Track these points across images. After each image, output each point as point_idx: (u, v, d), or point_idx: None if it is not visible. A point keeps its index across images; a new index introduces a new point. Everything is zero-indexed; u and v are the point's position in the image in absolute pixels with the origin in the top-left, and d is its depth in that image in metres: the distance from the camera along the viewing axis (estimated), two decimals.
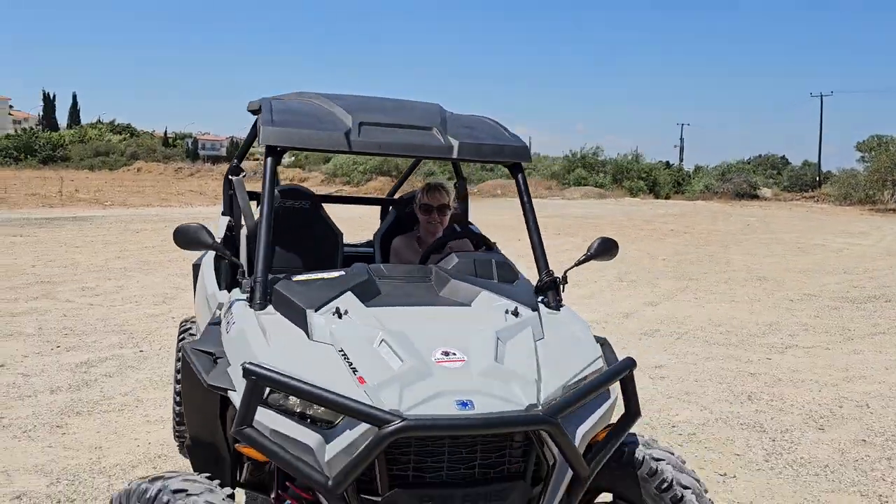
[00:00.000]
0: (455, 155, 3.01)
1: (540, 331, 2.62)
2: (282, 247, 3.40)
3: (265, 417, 2.15)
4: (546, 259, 3.08)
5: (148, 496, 2.12)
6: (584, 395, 2.28)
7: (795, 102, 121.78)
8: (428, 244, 3.58)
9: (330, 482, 2.03)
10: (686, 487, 2.50)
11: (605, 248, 3.30)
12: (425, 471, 2.15)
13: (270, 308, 2.57)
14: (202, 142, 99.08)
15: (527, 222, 3.21)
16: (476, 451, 2.18)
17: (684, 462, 2.66)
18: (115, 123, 76.35)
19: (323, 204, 3.73)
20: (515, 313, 2.63)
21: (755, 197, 41.39)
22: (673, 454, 2.65)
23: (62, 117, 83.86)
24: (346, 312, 2.44)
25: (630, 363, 2.47)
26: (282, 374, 2.10)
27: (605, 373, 2.45)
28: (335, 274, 2.74)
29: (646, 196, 39.52)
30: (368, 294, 2.62)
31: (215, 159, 74.92)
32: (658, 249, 15.50)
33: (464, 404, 2.10)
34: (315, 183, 40.41)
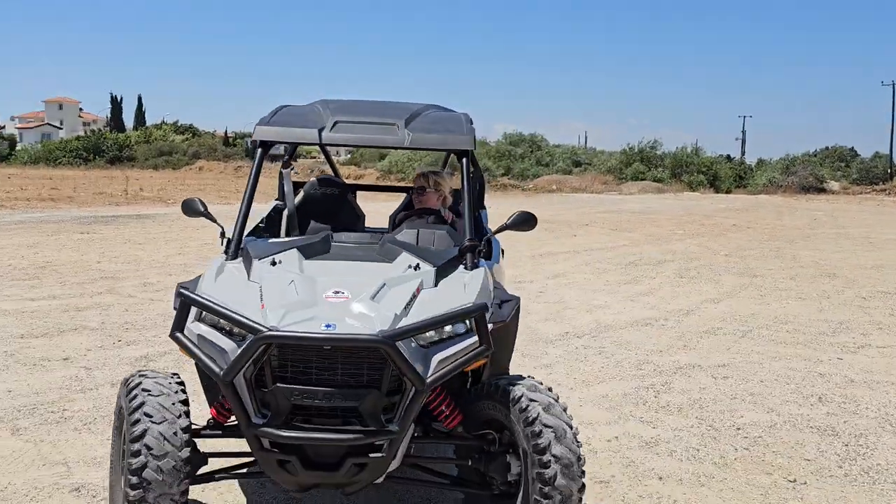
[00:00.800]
0: (406, 145, 3.66)
1: (431, 281, 3.19)
2: (315, 224, 4.21)
3: (201, 329, 2.93)
4: (472, 228, 3.55)
5: (129, 380, 3.10)
6: (424, 327, 2.86)
7: (865, 91, 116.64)
8: (412, 219, 4.21)
9: (221, 373, 2.79)
10: (548, 426, 2.91)
11: (523, 220, 3.65)
12: (299, 374, 2.82)
13: (237, 260, 3.42)
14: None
15: (462, 199, 3.71)
16: (337, 362, 2.82)
17: (558, 405, 3.02)
18: (178, 124, 78.44)
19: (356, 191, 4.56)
20: (417, 268, 3.24)
21: (822, 191, 39.88)
22: (550, 397, 3.05)
23: (129, 119, 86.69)
24: (280, 262, 3.24)
25: (481, 307, 2.96)
26: (202, 297, 2.95)
27: (453, 312, 2.92)
28: (298, 238, 3.69)
29: (706, 190, 38.51)
30: (314, 252, 3.36)
31: (273, 158, 76.02)
32: (720, 245, 15.03)
33: (329, 325, 2.78)
34: (370, 179, 40.68)
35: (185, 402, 3.01)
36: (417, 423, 3.15)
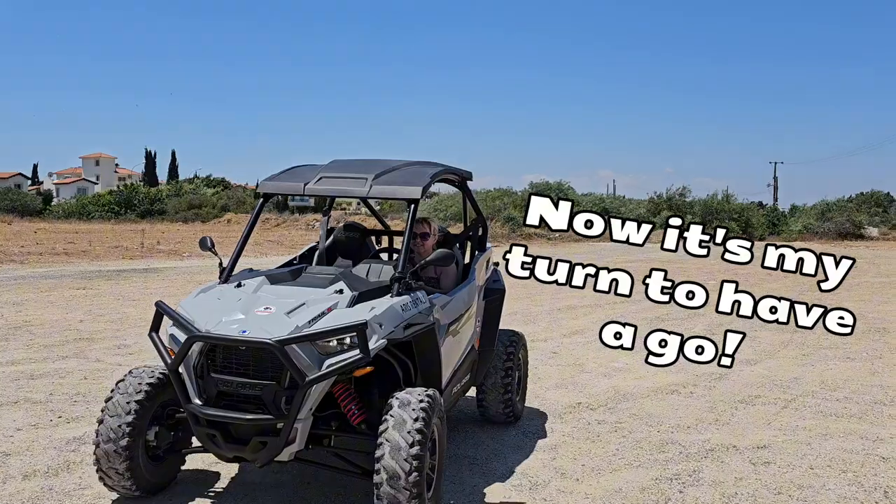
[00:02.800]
0: (366, 195, 4.41)
1: (346, 303, 3.84)
2: (340, 259, 5.25)
3: (173, 331, 3.79)
4: (404, 263, 4.16)
5: (122, 377, 4.06)
6: (310, 337, 3.57)
7: None
8: (415, 259, 4.90)
9: (169, 362, 3.72)
10: (387, 441, 3.53)
11: (441, 257, 4.30)
12: (226, 367, 3.66)
13: (226, 283, 4.21)
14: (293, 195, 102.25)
15: (404, 239, 4.34)
16: (250, 360, 3.62)
17: (410, 423, 3.57)
18: (210, 177, 79.49)
19: (372, 235, 5.74)
20: (340, 292, 3.92)
21: (860, 237, 38.38)
22: (410, 416, 3.59)
23: (162, 173, 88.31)
24: (243, 285, 4.07)
25: (359, 325, 3.59)
26: (168, 307, 3.91)
27: (335, 328, 3.60)
28: (277, 269, 4.57)
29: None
30: (279, 279, 4.17)
31: (303, 209, 77.06)
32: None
33: (244, 331, 3.59)
34: (397, 228, 40.98)
35: (142, 401, 3.92)
36: (336, 418, 3.97)
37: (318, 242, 5.48)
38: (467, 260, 5.55)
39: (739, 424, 5.89)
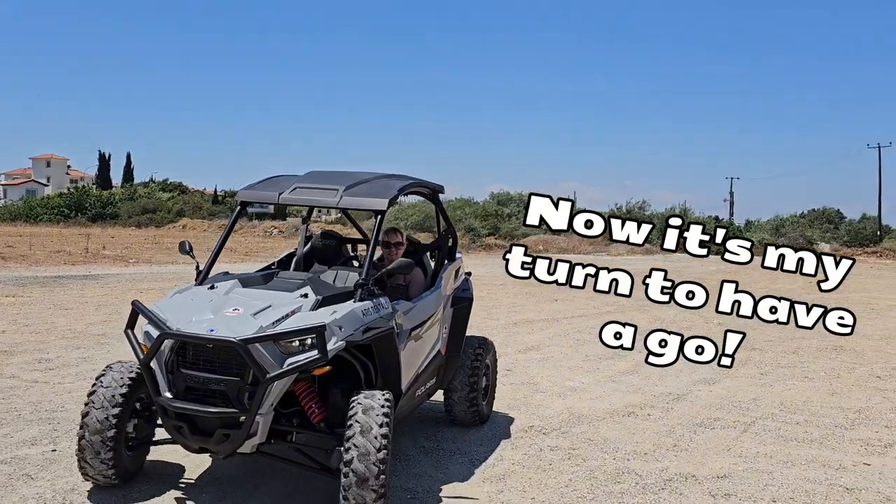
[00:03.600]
0: (336, 205, 4.65)
1: (310, 306, 4.10)
2: (316, 265, 5.42)
3: (149, 328, 4.06)
4: (367, 270, 4.40)
5: (102, 371, 4.37)
6: (272, 337, 3.83)
7: (851, 153, 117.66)
8: (384, 266, 4.93)
9: (141, 359, 4.02)
10: (358, 422, 3.81)
11: (400, 266, 4.60)
12: (194, 363, 3.93)
13: (200, 285, 4.47)
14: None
15: (367, 248, 4.73)
16: (217, 357, 3.90)
17: (378, 409, 3.86)
18: (167, 182, 77.59)
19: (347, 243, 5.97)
20: (305, 296, 4.19)
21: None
22: (376, 404, 3.89)
23: (117, 176, 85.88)
24: (216, 287, 4.35)
25: (317, 327, 3.85)
26: (146, 309, 4.13)
27: (295, 329, 3.86)
28: (251, 273, 4.81)
29: None
30: (251, 282, 4.44)
31: (262, 216, 75.61)
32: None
33: (212, 330, 3.87)
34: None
35: (126, 394, 4.18)
36: (298, 415, 4.22)
37: (296, 249, 5.75)
38: (436, 268, 5.74)
39: (698, 450, 5.59)
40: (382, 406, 3.88)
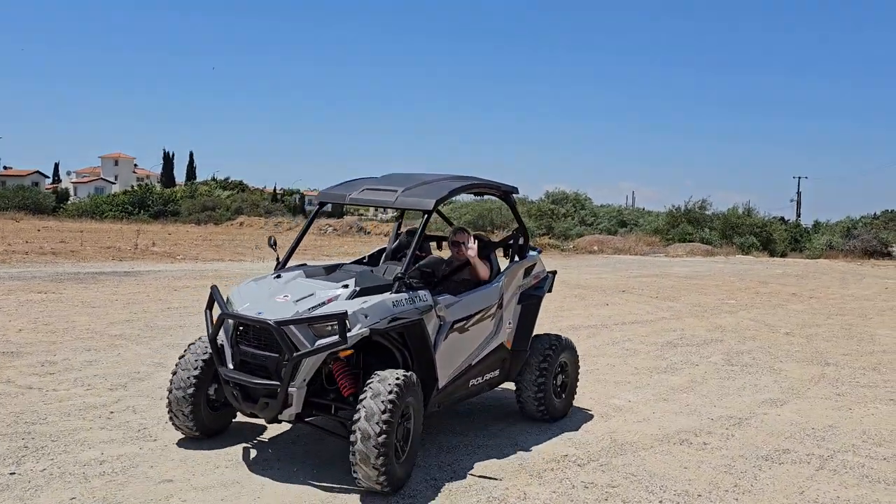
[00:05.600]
0: (392, 205, 5.17)
1: (347, 295, 4.56)
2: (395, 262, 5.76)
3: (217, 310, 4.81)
4: (408, 265, 4.85)
5: (193, 341, 5.52)
6: (301, 321, 4.34)
7: None
8: (453, 264, 5.63)
9: (210, 334, 4.70)
10: (369, 392, 4.27)
11: (432, 263, 5.36)
12: (249, 341, 4.55)
13: (280, 276, 5.06)
14: (309, 198, 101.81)
15: (411, 245, 5.18)
16: (263, 336, 4.46)
17: (384, 393, 4.23)
18: (228, 180, 78.93)
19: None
20: (346, 287, 4.66)
21: (888, 255, 36.61)
22: (385, 388, 4.26)
23: (180, 174, 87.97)
24: (280, 277, 4.99)
25: (340, 314, 4.30)
26: (219, 293, 4.88)
27: (318, 315, 4.38)
28: (322, 265, 5.45)
29: (759, 254, 35.68)
30: (313, 274, 5.12)
31: (322, 215, 76.15)
32: (779, 319, 12.66)
33: (260, 313, 4.46)
34: (380, 240, 42.82)
35: (207, 360, 4.96)
36: (337, 392, 4.70)
37: (389, 244, 6.18)
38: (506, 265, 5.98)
39: (764, 493, 4.69)
40: (397, 379, 4.31)
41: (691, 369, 8.37)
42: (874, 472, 5.15)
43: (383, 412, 4.13)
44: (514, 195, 6.09)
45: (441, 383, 4.98)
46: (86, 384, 6.49)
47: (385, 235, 43.75)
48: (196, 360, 4.98)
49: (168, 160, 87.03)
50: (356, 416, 4.18)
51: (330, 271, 5.22)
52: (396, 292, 4.65)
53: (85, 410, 5.73)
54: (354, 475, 4.21)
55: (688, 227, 39.27)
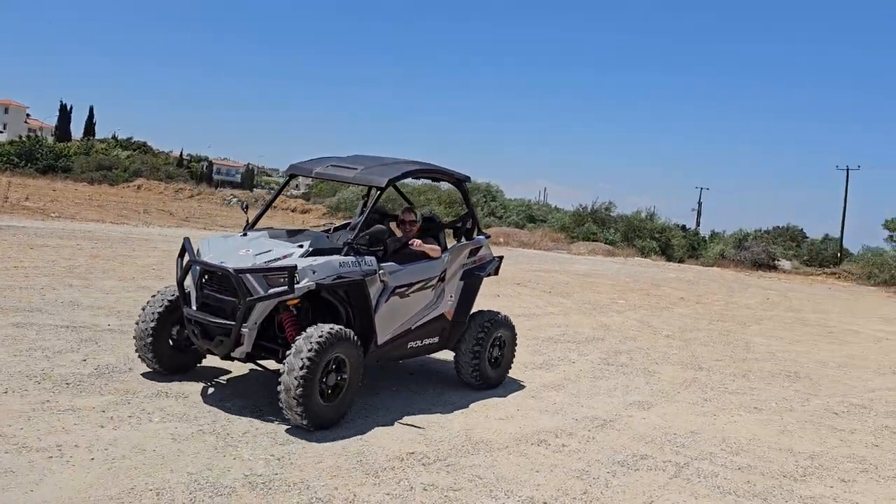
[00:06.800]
0: (350, 180, 5.84)
1: (300, 253, 5.15)
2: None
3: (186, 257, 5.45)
4: (358, 232, 5.53)
5: (154, 293, 6.40)
6: (255, 270, 4.95)
7: (819, 174, 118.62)
8: (402, 241, 6.24)
9: (177, 279, 5.39)
10: (294, 346, 4.85)
11: (376, 231, 5.57)
12: (212, 285, 5.18)
13: (246, 234, 5.76)
14: (218, 166, 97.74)
15: (361, 218, 5.93)
16: (224, 282, 5.05)
17: (305, 350, 4.78)
18: (131, 140, 74.74)
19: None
20: (301, 246, 5.25)
21: (774, 268, 38.57)
22: (318, 335, 4.86)
23: (78, 130, 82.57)
24: (246, 235, 5.67)
25: (289, 267, 4.92)
26: (190, 244, 5.48)
27: (271, 266, 4.97)
28: (286, 229, 6.04)
29: (658, 258, 36.78)
30: (276, 235, 5.69)
31: (229, 185, 73.29)
32: (663, 322, 12.79)
33: (222, 262, 5.03)
34: (318, 213, 41.50)
35: (167, 306, 5.59)
36: (284, 340, 5.28)
37: (354, 218, 6.85)
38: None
39: (613, 502, 4.43)
40: (320, 336, 4.82)
41: (567, 367, 8.18)
42: (727, 483, 5.00)
43: (301, 368, 4.70)
44: (466, 183, 6.77)
45: (380, 340, 5.58)
46: None
47: (291, 211, 42.80)
48: (161, 303, 5.60)
49: (65, 112, 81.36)
50: (281, 370, 4.81)
51: (291, 235, 5.78)
52: (345, 255, 5.27)
53: None
54: (283, 412, 4.87)
55: (592, 227, 40.03)
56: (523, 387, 6.99)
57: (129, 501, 3.62)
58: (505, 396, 6.57)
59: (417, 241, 6.11)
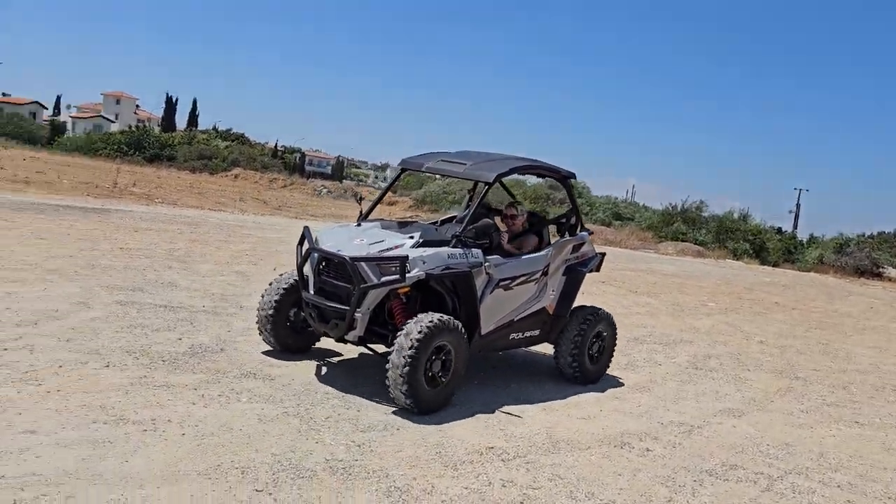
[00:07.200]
0: (460, 176, 6.17)
1: (411, 244, 5.40)
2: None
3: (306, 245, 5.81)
4: (465, 225, 5.73)
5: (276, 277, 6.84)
6: (370, 259, 5.25)
7: None
8: (511, 232, 6.50)
9: (298, 263, 5.75)
10: (405, 328, 5.13)
11: (483, 225, 5.98)
12: (330, 272, 5.54)
13: (360, 224, 6.10)
14: (310, 158, 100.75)
15: (469, 212, 6.10)
16: (340, 270, 5.41)
17: (415, 331, 5.06)
18: (230, 131, 77.79)
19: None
20: (412, 238, 5.49)
21: (879, 276, 36.22)
22: (428, 321, 5.13)
23: (182, 121, 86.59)
24: (361, 226, 6.02)
25: (401, 257, 5.21)
26: (309, 232, 5.84)
27: (385, 256, 5.27)
28: (395, 220, 6.50)
29: (751, 261, 35.26)
30: (388, 227, 5.99)
31: (320, 175, 75.41)
32: (756, 327, 12.22)
33: (339, 250, 5.37)
34: (403, 206, 41.99)
35: (287, 289, 5.99)
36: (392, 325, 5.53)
37: (461, 212, 6.93)
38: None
39: None
40: (430, 322, 5.07)
41: (653, 368, 7.93)
42: (824, 501, 4.71)
43: (410, 348, 4.94)
44: (571, 180, 6.86)
45: (483, 331, 5.78)
46: None
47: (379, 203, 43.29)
48: (280, 287, 5.98)
49: (170, 104, 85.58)
50: (391, 349, 5.07)
51: (402, 226, 6.04)
52: (453, 247, 5.48)
53: None
54: (390, 394, 5.12)
55: (682, 227, 38.76)
56: (607, 387, 6.82)
57: (215, 478, 3.74)
58: (588, 396, 6.42)
59: (508, 245, 6.24)
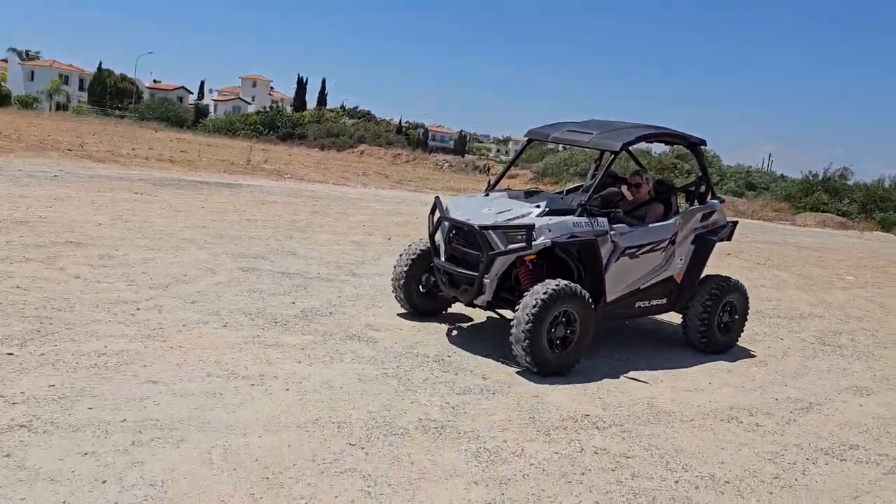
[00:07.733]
0: (585, 145, 6.09)
1: (537, 213, 5.54)
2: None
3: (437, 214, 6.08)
4: (591, 195, 5.74)
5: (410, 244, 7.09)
6: (497, 227, 5.43)
7: None
8: (632, 203, 6.54)
9: (430, 232, 6.09)
10: (531, 290, 5.33)
11: (609, 193, 5.97)
12: (461, 240, 5.74)
13: (488, 195, 6.28)
14: (433, 133, 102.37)
15: (595, 180, 6.07)
16: (471, 238, 5.60)
17: (540, 293, 5.22)
18: (356, 109, 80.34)
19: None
20: (538, 207, 5.62)
21: None
22: (554, 285, 5.28)
23: (312, 100, 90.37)
24: (489, 196, 6.19)
25: (528, 225, 5.39)
26: (440, 201, 6.16)
27: (513, 225, 5.43)
28: (524, 190, 6.63)
29: None
30: (515, 196, 6.14)
31: (442, 150, 76.58)
32: None
33: (468, 219, 5.60)
34: (524, 179, 41.71)
35: (419, 254, 6.34)
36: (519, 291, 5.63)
37: (587, 181, 6.96)
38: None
39: (809, 492, 4.00)
40: (555, 286, 5.22)
41: (773, 343, 7.49)
42: None
43: (534, 307, 5.11)
44: (700, 147, 6.72)
45: (609, 298, 5.83)
46: (130, 280, 6.58)
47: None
48: (412, 254, 6.32)
49: (301, 85, 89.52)
50: (516, 307, 5.25)
51: (528, 196, 6.17)
52: (578, 216, 5.54)
53: (115, 304, 5.77)
54: (512, 353, 5.30)
55: (823, 197, 36.02)
56: (719, 360, 6.53)
57: (312, 430, 3.93)
58: (697, 368, 6.17)
59: (625, 219, 6.06)
